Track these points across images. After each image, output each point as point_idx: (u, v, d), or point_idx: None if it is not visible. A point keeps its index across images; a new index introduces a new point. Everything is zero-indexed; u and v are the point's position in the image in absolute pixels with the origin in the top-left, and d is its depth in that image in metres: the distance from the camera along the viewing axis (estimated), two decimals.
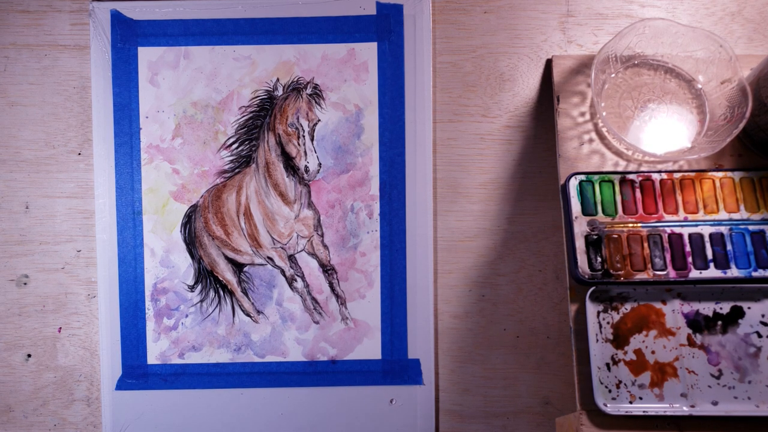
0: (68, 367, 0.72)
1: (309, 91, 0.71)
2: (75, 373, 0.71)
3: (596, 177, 0.64)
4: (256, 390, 0.70)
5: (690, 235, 0.62)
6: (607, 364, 0.60)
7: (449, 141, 0.73)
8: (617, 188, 0.64)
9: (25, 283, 0.72)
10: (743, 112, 0.62)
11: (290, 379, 0.70)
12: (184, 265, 0.71)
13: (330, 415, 0.69)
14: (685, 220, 0.63)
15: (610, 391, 0.60)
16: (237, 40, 0.72)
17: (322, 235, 0.71)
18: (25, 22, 0.74)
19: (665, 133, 0.67)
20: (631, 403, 0.59)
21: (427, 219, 0.70)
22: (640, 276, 0.61)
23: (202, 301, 0.71)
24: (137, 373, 0.70)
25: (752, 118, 0.63)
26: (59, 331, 0.72)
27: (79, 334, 0.72)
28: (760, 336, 0.60)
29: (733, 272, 0.61)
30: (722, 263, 0.61)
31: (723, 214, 0.63)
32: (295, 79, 0.72)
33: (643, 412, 0.58)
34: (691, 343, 0.61)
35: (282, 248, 0.71)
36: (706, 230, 0.63)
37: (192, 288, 0.71)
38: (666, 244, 0.62)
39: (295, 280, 0.71)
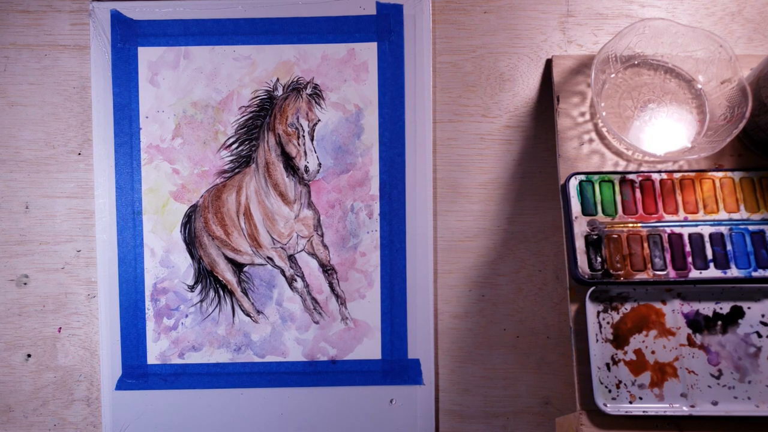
0: (68, 367, 0.72)
1: (309, 91, 0.71)
2: (75, 373, 0.71)
3: (596, 177, 0.64)
4: (256, 390, 0.70)
5: (690, 235, 0.62)
6: (607, 364, 0.60)
7: (449, 141, 0.73)
8: (617, 188, 0.64)
9: (25, 283, 0.72)
10: (743, 112, 0.62)
11: (290, 379, 0.70)
12: (184, 265, 0.71)
13: (330, 415, 0.69)
14: (685, 220, 0.63)
15: (610, 391, 0.60)
16: (237, 40, 0.72)
17: (322, 235, 0.71)
18: (25, 22, 0.74)
19: (665, 133, 0.67)
20: (631, 403, 0.59)
21: (427, 219, 0.70)
22: (640, 276, 0.61)
23: (202, 301, 0.71)
24: (137, 373, 0.70)
25: (752, 118, 0.63)
26: (59, 331, 0.72)
27: (79, 334, 0.72)
28: (760, 336, 0.60)
29: (733, 272, 0.61)
30: (722, 263, 0.61)
31: (723, 214, 0.63)
32: (295, 79, 0.72)
33: (643, 412, 0.58)
34: (691, 343, 0.61)
35: (282, 248, 0.71)
36: (706, 230, 0.63)
37: (192, 288, 0.71)
38: (666, 244, 0.62)
39: (295, 280, 0.71)
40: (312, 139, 0.71)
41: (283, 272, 0.71)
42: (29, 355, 0.72)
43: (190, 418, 0.70)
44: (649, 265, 0.62)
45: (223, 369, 0.70)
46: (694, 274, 0.61)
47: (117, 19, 0.72)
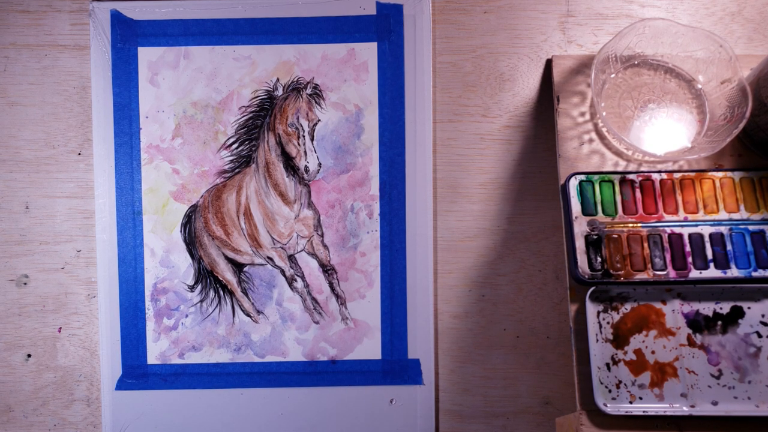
0: (68, 367, 0.72)
1: (309, 91, 0.71)
2: (75, 373, 0.71)
3: (596, 177, 0.64)
4: (256, 390, 0.70)
5: (690, 235, 0.62)
6: (607, 364, 0.60)
7: (449, 141, 0.73)
8: (617, 188, 0.64)
9: (25, 283, 0.72)
10: (743, 112, 0.62)
11: (290, 379, 0.70)
12: (184, 265, 0.71)
13: (330, 415, 0.69)
14: (685, 220, 0.63)
15: (610, 391, 0.60)
16: (237, 40, 0.72)
17: (322, 235, 0.71)
18: (25, 22, 0.74)
19: (665, 133, 0.67)
20: (631, 403, 0.59)
21: (427, 219, 0.70)
22: (640, 276, 0.61)
23: (202, 301, 0.71)
24: (137, 373, 0.70)
25: (752, 118, 0.63)
26: (59, 331, 0.72)
27: (79, 334, 0.72)
28: (760, 336, 0.60)
29: (733, 272, 0.61)
30: (722, 263, 0.61)
31: (723, 214, 0.63)
32: (295, 79, 0.72)
33: (643, 412, 0.58)
34: (691, 343, 0.61)
35: (282, 248, 0.71)
36: (706, 230, 0.63)
37: (192, 288, 0.71)
38: (666, 244, 0.62)
39: (295, 280, 0.71)
40: (312, 139, 0.71)
41: (283, 272, 0.71)
42: (29, 355, 0.72)
43: (190, 418, 0.70)
44: (649, 265, 0.62)
45: (223, 369, 0.70)
46: (694, 274, 0.61)
47: (117, 19, 0.72)
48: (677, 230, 0.63)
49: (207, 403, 0.70)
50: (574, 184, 0.64)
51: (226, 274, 0.71)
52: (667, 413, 0.58)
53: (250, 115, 0.72)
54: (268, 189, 0.71)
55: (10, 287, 0.72)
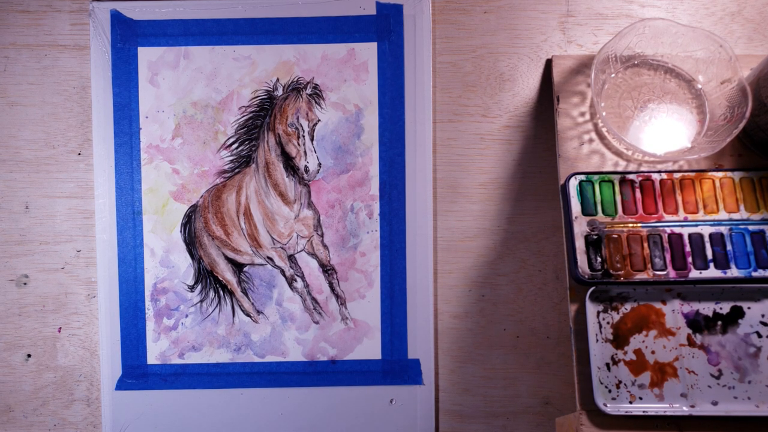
0: (68, 367, 0.72)
1: (309, 91, 0.71)
2: (75, 373, 0.71)
3: (596, 177, 0.64)
4: (256, 390, 0.70)
5: (690, 235, 0.62)
6: (607, 364, 0.60)
7: (449, 141, 0.73)
8: (617, 188, 0.64)
9: (25, 283, 0.72)
10: (743, 112, 0.62)
11: (290, 379, 0.70)
12: (184, 265, 0.71)
13: (330, 415, 0.69)
14: (685, 220, 0.63)
15: (610, 391, 0.60)
16: (237, 40, 0.72)
17: (322, 235, 0.71)
18: (25, 22, 0.74)
19: (665, 133, 0.67)
20: (631, 403, 0.59)
21: (427, 219, 0.70)
22: (640, 276, 0.61)
23: (202, 301, 0.71)
24: (137, 373, 0.70)
25: (752, 118, 0.63)
26: (59, 331, 0.72)
27: (79, 334, 0.72)
28: (760, 336, 0.60)
29: (733, 272, 0.61)
30: (722, 263, 0.61)
31: (723, 214, 0.63)
32: (295, 79, 0.72)
33: (643, 412, 0.58)
34: (691, 343, 0.61)
35: (282, 248, 0.71)
36: (706, 230, 0.63)
37: (192, 288, 0.71)
38: (666, 244, 0.62)
39: (295, 280, 0.71)
40: (312, 139, 0.71)
41: (283, 272, 0.71)
42: (29, 355, 0.72)
43: (190, 418, 0.70)
44: (649, 265, 0.62)
45: (223, 369, 0.70)
46: (694, 274, 0.61)
47: (117, 19, 0.72)
48: (677, 230, 0.63)
49: (207, 403, 0.70)
50: (574, 184, 0.64)
51: (226, 274, 0.71)
52: (667, 413, 0.58)
53: (250, 115, 0.72)
54: (268, 189, 0.71)
55: (10, 287, 0.72)
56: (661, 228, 0.63)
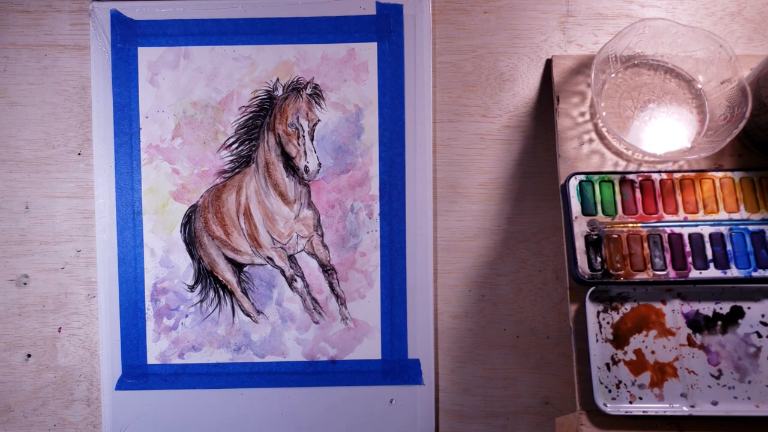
0: (68, 367, 0.72)
1: (309, 91, 0.71)
2: (75, 373, 0.71)
3: (596, 177, 0.64)
4: (256, 390, 0.70)
5: (690, 235, 0.62)
6: (607, 364, 0.60)
7: (449, 141, 0.73)
8: (617, 188, 0.64)
9: (25, 283, 0.72)
10: (743, 112, 0.62)
11: (290, 379, 0.70)
12: (183, 265, 0.71)
13: (330, 415, 0.69)
14: (685, 220, 0.63)
15: (610, 391, 0.60)
16: (237, 40, 0.72)
17: (322, 235, 0.71)
18: (25, 22, 0.74)
19: (665, 133, 0.67)
20: (631, 403, 0.59)
21: (427, 219, 0.70)
22: (640, 276, 0.61)
23: (202, 301, 0.71)
24: (137, 373, 0.70)
25: (752, 118, 0.63)
26: (59, 331, 0.72)
27: (79, 334, 0.72)
28: (760, 336, 0.60)
29: (733, 272, 0.61)
30: (722, 263, 0.61)
31: (723, 214, 0.63)
32: (295, 79, 0.72)
33: (643, 412, 0.58)
34: (691, 343, 0.61)
35: (282, 248, 0.71)
36: (706, 230, 0.63)
37: (192, 288, 0.71)
38: (666, 244, 0.62)
39: (295, 280, 0.71)
40: (312, 139, 0.71)
41: (283, 272, 0.71)
42: (29, 355, 0.72)
43: (190, 418, 0.70)
44: (649, 265, 0.62)
45: (223, 369, 0.70)
46: (694, 274, 0.61)
47: (117, 19, 0.72)
48: (677, 230, 0.63)
49: (207, 403, 0.70)
50: (574, 184, 0.64)
51: (226, 274, 0.71)
52: (667, 413, 0.58)
53: (250, 115, 0.72)
54: (268, 189, 0.71)
55: (10, 287, 0.72)
56: (661, 228, 0.63)
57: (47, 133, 0.73)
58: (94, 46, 0.72)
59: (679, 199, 0.63)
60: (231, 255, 0.71)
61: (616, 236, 0.63)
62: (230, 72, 0.72)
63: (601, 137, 0.67)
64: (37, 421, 0.71)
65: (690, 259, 0.62)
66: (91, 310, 0.72)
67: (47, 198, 0.73)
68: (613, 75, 0.68)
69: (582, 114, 0.67)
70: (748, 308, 0.61)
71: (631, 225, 0.63)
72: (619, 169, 0.66)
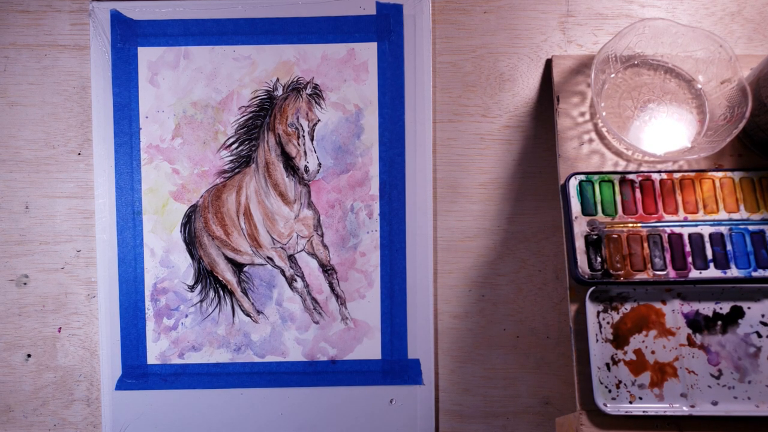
0: (68, 367, 0.72)
1: (309, 91, 0.71)
2: (75, 373, 0.71)
3: (596, 177, 0.64)
4: (256, 390, 0.70)
5: (690, 235, 0.62)
6: (607, 364, 0.60)
7: (449, 141, 0.73)
8: (617, 188, 0.64)
9: (25, 283, 0.72)
10: (743, 112, 0.62)
11: (290, 379, 0.70)
12: (183, 265, 0.71)
13: (330, 415, 0.69)
14: (685, 220, 0.63)
15: (610, 391, 0.60)
16: (237, 40, 0.72)
17: (322, 235, 0.71)
18: (25, 22, 0.74)
19: (665, 133, 0.67)
20: (631, 403, 0.59)
21: (427, 219, 0.70)
22: (640, 276, 0.61)
23: (202, 301, 0.71)
24: (137, 373, 0.70)
25: (752, 118, 0.63)
26: (59, 331, 0.72)
27: (79, 334, 0.72)
28: (760, 336, 0.60)
29: (733, 272, 0.61)
30: (722, 263, 0.61)
31: (723, 214, 0.63)
32: (295, 79, 0.72)
33: (643, 412, 0.58)
34: (691, 343, 0.61)
35: (282, 248, 0.71)
36: (706, 230, 0.63)
37: (192, 288, 0.71)
38: (666, 244, 0.62)
39: (295, 280, 0.71)
40: (312, 139, 0.71)
41: (283, 272, 0.71)
42: (29, 355, 0.72)
43: (190, 418, 0.70)
44: (649, 265, 0.62)
45: (223, 369, 0.70)
46: (694, 274, 0.61)
47: (117, 19, 0.72)
48: (677, 230, 0.63)
49: (207, 403, 0.70)
50: (574, 184, 0.64)
51: (226, 274, 0.71)
52: (667, 413, 0.58)
53: (250, 115, 0.72)
54: (268, 189, 0.71)
55: (10, 287, 0.72)
56: (661, 228, 0.63)
57: (47, 133, 0.73)
58: (94, 46, 0.72)
59: (679, 199, 0.63)
60: (231, 255, 0.71)
61: (616, 236, 0.63)
62: (230, 72, 0.72)
63: (601, 137, 0.67)
64: (37, 421, 0.71)
65: (690, 259, 0.62)
66: (91, 310, 0.72)
67: (47, 198, 0.73)
68: (613, 75, 0.68)
69: (582, 114, 0.67)
70: (748, 308, 0.61)
71: (631, 225, 0.63)
72: (619, 169, 0.66)
